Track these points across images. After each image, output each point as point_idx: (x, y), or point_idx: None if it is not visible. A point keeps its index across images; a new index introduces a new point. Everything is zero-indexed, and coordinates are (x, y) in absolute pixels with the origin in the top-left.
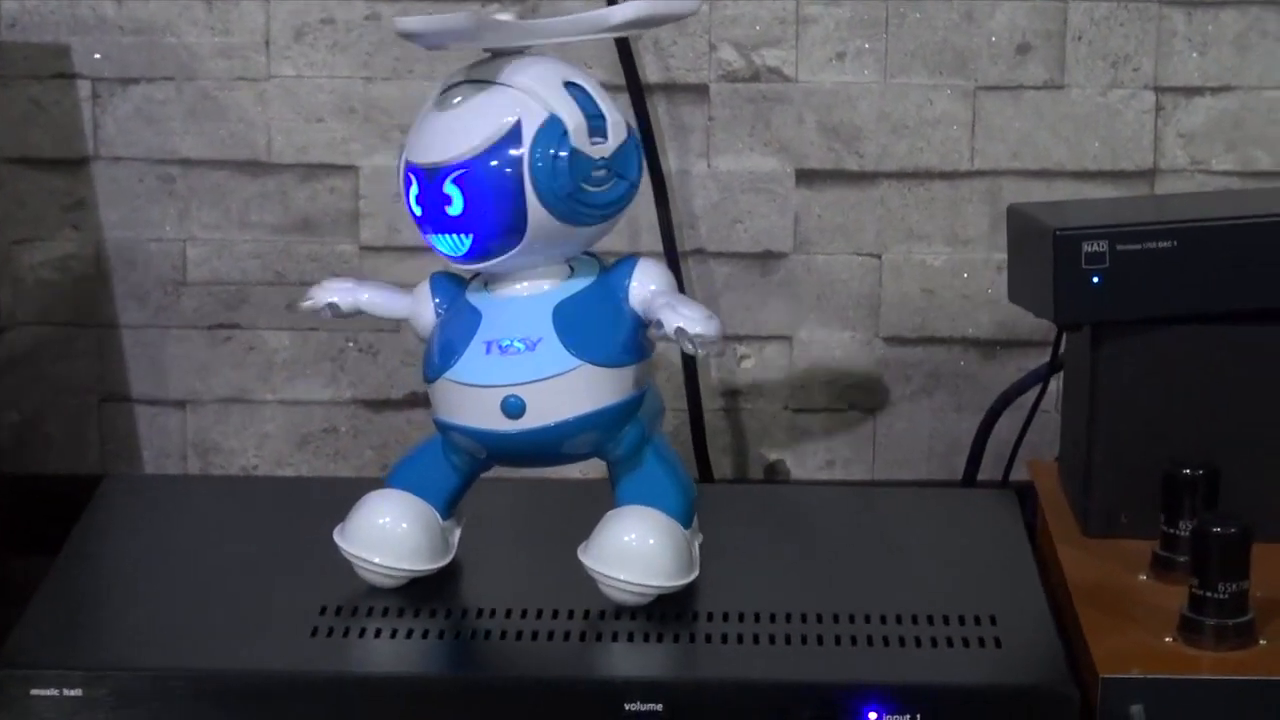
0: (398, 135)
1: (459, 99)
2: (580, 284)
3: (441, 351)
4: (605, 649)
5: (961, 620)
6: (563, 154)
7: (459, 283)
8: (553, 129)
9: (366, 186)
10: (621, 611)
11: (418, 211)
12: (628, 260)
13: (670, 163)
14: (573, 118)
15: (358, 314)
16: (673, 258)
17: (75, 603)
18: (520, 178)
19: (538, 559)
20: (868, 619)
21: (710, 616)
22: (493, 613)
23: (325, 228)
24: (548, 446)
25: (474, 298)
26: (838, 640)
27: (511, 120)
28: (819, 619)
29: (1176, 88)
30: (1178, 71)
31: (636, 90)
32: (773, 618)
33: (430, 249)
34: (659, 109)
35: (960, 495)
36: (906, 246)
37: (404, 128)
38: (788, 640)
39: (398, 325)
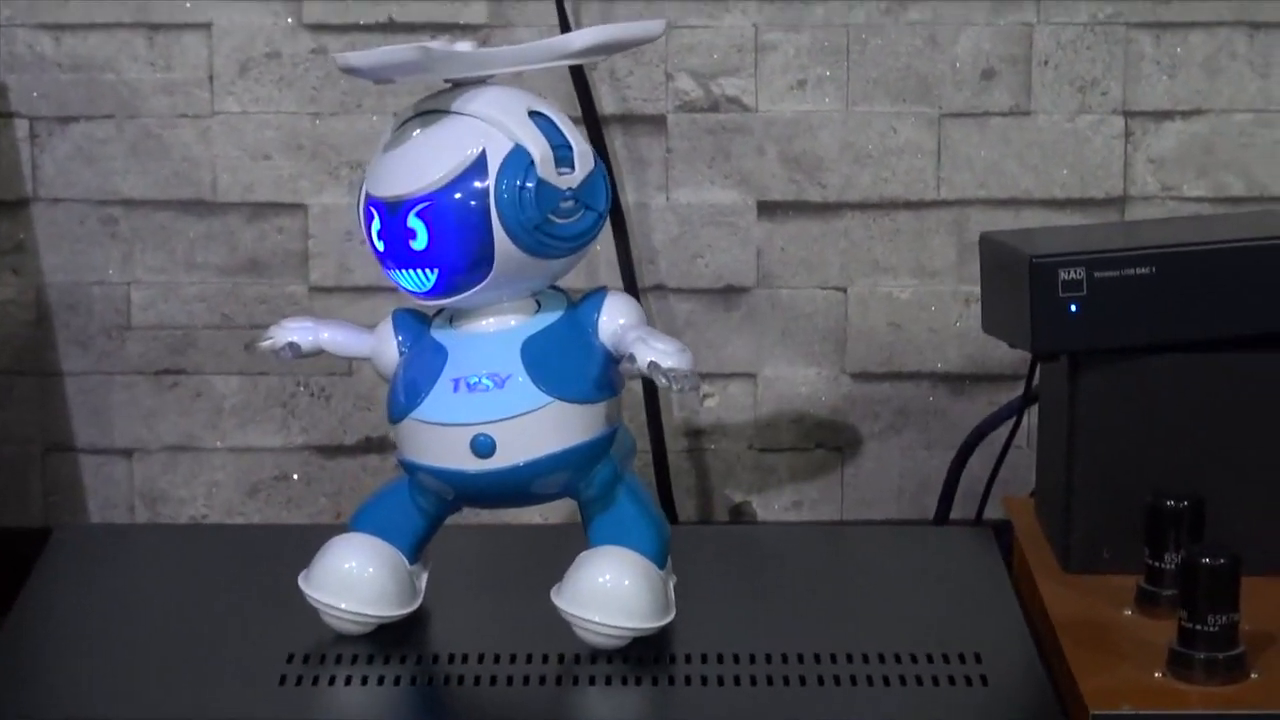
0: (347, 172)
1: (419, 130)
2: (548, 319)
3: (407, 390)
4: (581, 693)
5: (945, 658)
6: (529, 185)
7: (422, 320)
8: (518, 159)
9: (316, 225)
10: (596, 655)
11: (380, 247)
12: (596, 294)
13: (628, 196)
14: (539, 148)
15: (318, 353)
16: (633, 294)
17: (32, 657)
18: (486, 210)
19: (508, 603)
20: (849, 658)
21: (688, 658)
22: (464, 658)
23: (274, 269)
24: (518, 486)
25: (439, 334)
26: (820, 680)
27: (475, 151)
28: (799, 659)
29: (1146, 112)
30: (1147, 95)
31: (593, 122)
32: (751, 658)
33: (392, 286)
34: (616, 141)
35: (935, 533)
36: (872, 279)
37: (354, 164)
38: (769, 681)
39: (350, 367)
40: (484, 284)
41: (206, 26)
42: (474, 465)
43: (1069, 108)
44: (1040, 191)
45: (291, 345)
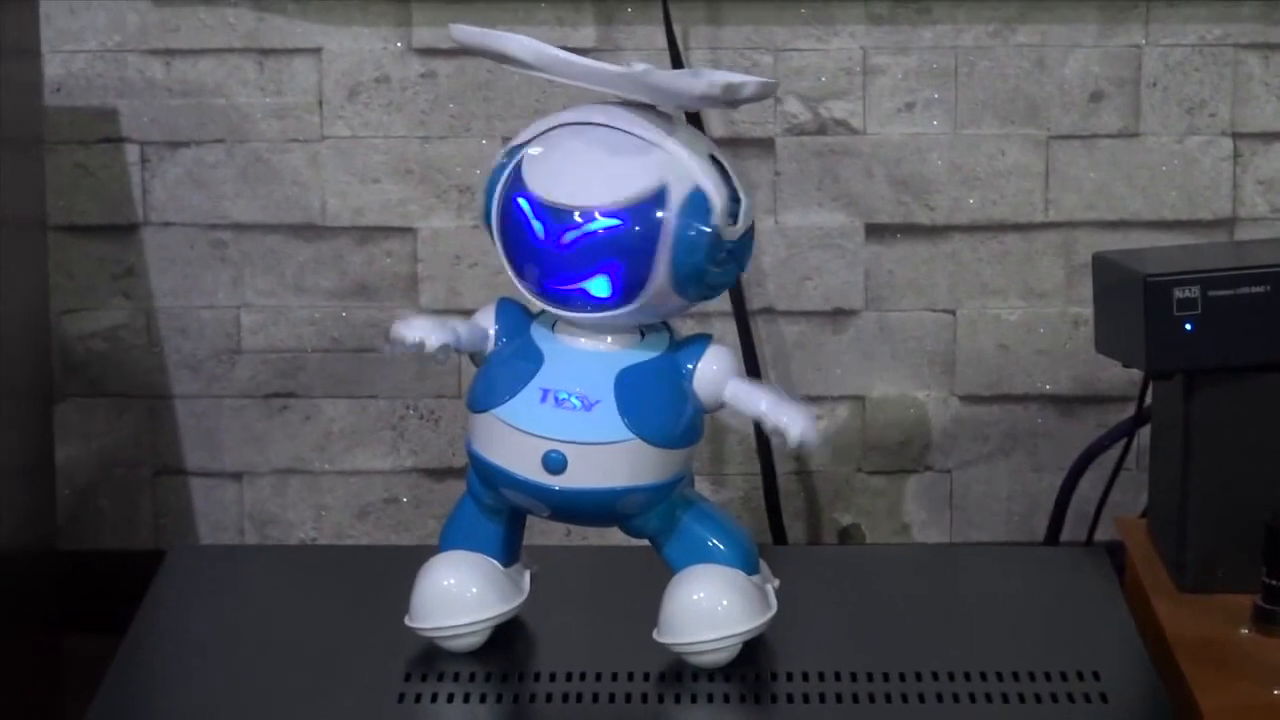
0: (456, 195)
1: (598, 144)
2: (649, 353)
3: (495, 385)
4: (683, 710)
5: (1064, 676)
6: (706, 230)
7: (525, 315)
8: (700, 202)
9: (425, 249)
10: (698, 672)
11: (543, 253)
12: (700, 340)
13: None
14: (718, 194)
15: (444, 352)
16: (741, 316)
17: (152, 680)
18: (654, 241)
19: (612, 622)
20: (967, 676)
21: (790, 676)
22: (569, 676)
23: (383, 292)
24: (576, 507)
25: (539, 337)
26: (939, 698)
27: (658, 182)
28: (910, 678)
29: (1254, 133)
30: (1255, 117)
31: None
32: (854, 677)
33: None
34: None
35: (1047, 554)
36: (980, 301)
37: (462, 187)
38: (871, 699)
39: (459, 389)
40: (619, 311)
41: (316, 51)
42: (540, 478)
43: (1177, 129)
44: (1149, 213)
45: (444, 348)
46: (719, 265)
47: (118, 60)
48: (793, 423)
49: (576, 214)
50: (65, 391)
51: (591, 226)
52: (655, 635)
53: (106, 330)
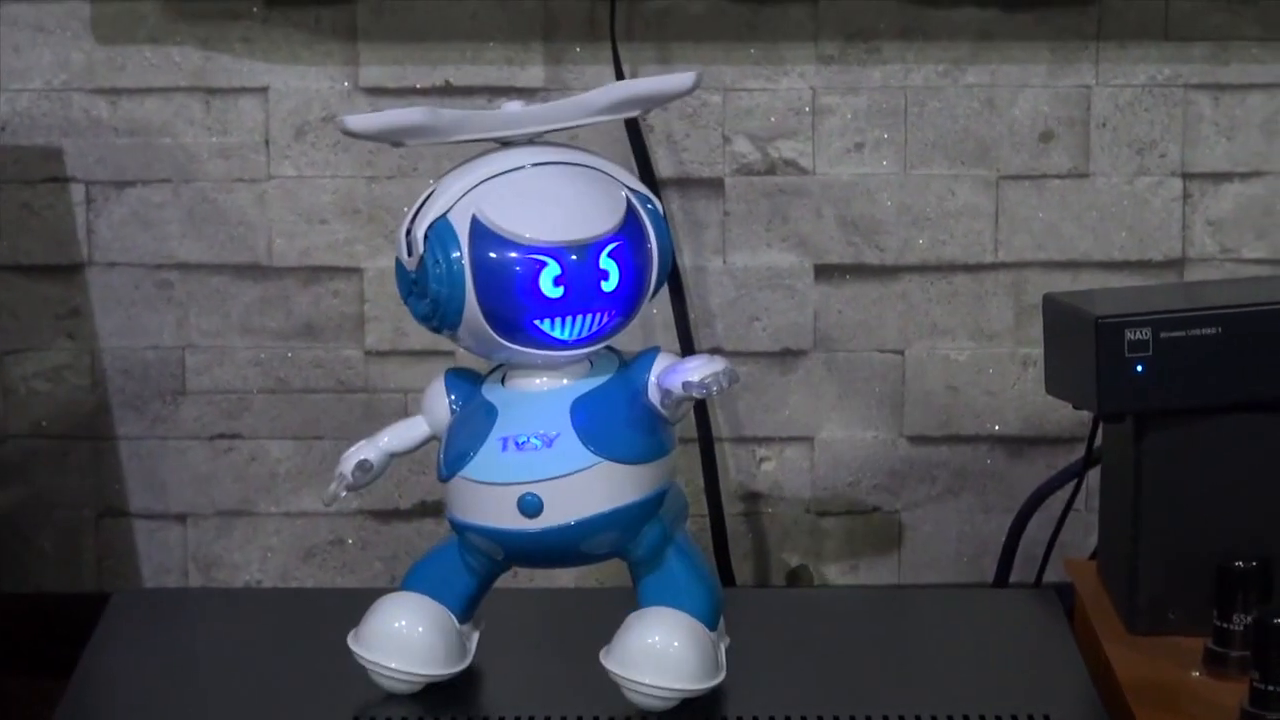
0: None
1: (552, 180)
2: (599, 379)
3: (456, 450)
4: None
5: (1014, 719)
6: (666, 229)
7: (474, 379)
8: (656, 209)
9: (371, 289)
10: (646, 717)
11: (557, 293)
12: (647, 354)
13: (686, 259)
14: (657, 202)
15: (388, 463)
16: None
17: None
18: (649, 252)
19: (559, 666)
20: (917, 719)
21: None
22: None
23: (329, 332)
24: (566, 546)
25: (490, 393)
26: None
27: (624, 198)
28: None
29: (1204, 174)
30: (1205, 157)
31: (650, 184)
32: None
33: (449, 350)
34: (673, 204)
35: (997, 595)
36: (930, 342)
37: None
38: None
39: None
40: (621, 330)
41: (263, 91)
42: (522, 524)
43: (1127, 170)
44: (1099, 254)
45: (361, 464)
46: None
47: (63, 99)
48: (693, 370)
49: (590, 245)
50: (7, 432)
51: (607, 251)
52: (602, 656)
53: (50, 370)
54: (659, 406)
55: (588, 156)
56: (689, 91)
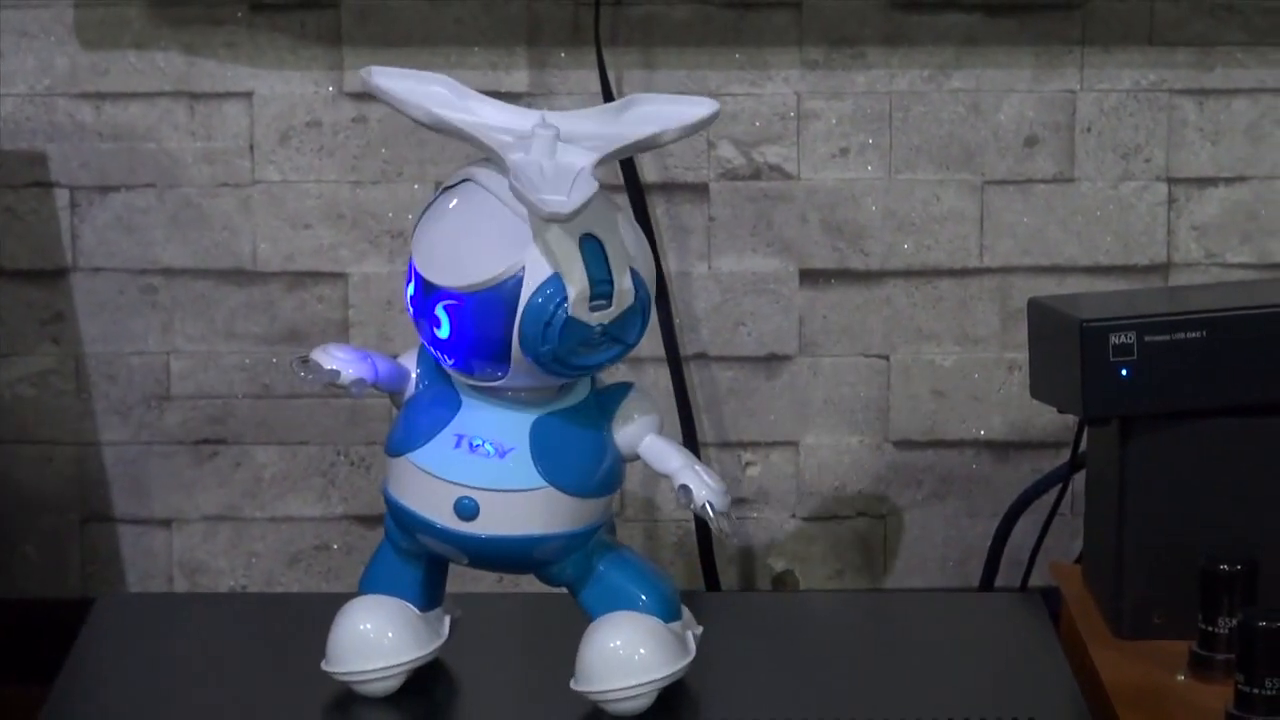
0: (388, 240)
1: (469, 212)
2: (567, 401)
3: (411, 429)
4: None
5: None
6: (557, 318)
7: None
8: (554, 290)
9: (356, 294)
10: None
11: (411, 310)
12: (620, 388)
13: (670, 264)
14: (576, 284)
15: (359, 386)
16: (674, 361)
17: None
18: (510, 324)
19: (534, 670)
20: None
21: None
22: None
23: (314, 337)
24: (489, 555)
25: (459, 385)
26: None
27: (516, 267)
28: None
29: (1189, 179)
30: (1190, 162)
31: (635, 190)
32: None
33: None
34: (658, 209)
35: (982, 600)
36: (915, 347)
37: (394, 233)
38: None
39: None
40: (500, 380)
41: (248, 96)
42: (452, 524)
43: (1112, 175)
44: (1084, 258)
45: (359, 382)
46: (591, 347)
47: (47, 104)
48: (699, 486)
49: (433, 291)
50: None
51: (442, 304)
52: (572, 684)
53: (34, 375)
54: (622, 448)
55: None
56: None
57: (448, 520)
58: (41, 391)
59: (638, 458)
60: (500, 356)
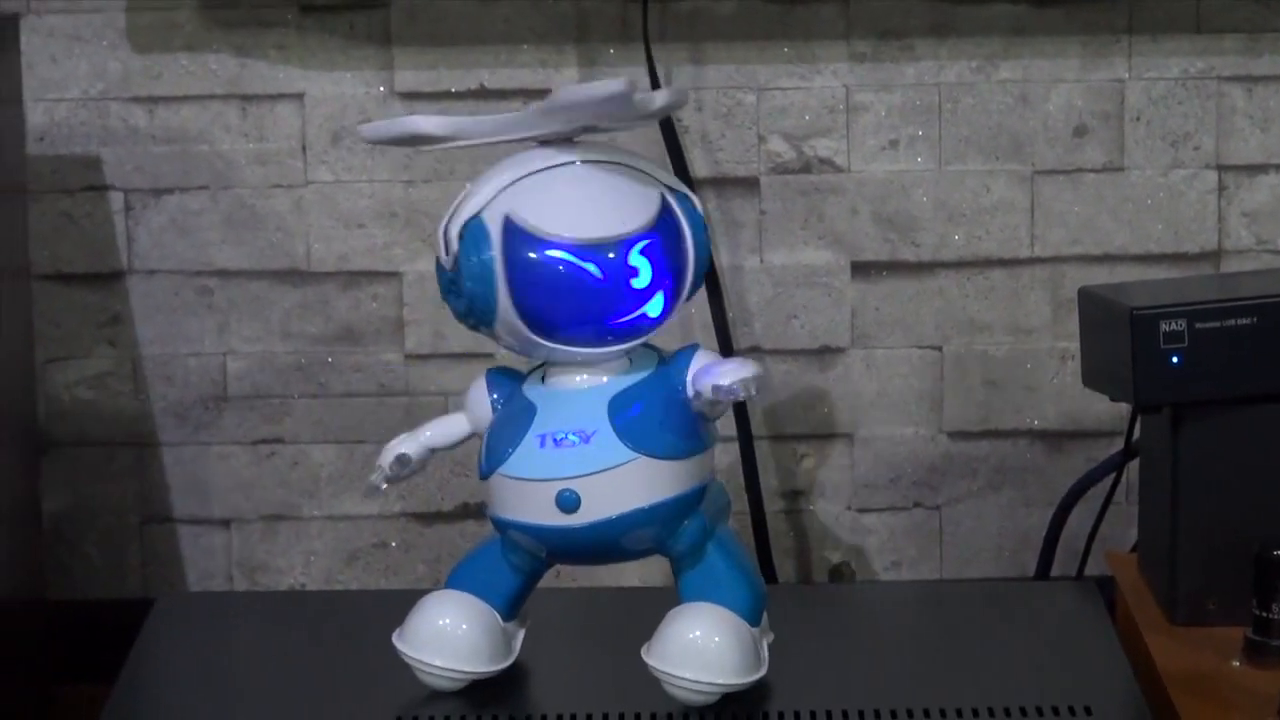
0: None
1: (587, 178)
2: (637, 375)
3: (496, 447)
4: None
5: (1055, 711)
6: (703, 224)
7: (515, 378)
8: (689, 202)
9: (410, 293)
10: (689, 713)
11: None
12: (686, 350)
13: (722, 258)
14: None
15: (428, 458)
16: (727, 355)
17: None
18: (683, 247)
19: (602, 664)
20: (959, 713)
21: (781, 716)
22: (559, 718)
23: (369, 337)
24: (606, 541)
25: (530, 391)
26: None
27: (659, 194)
28: (894, 715)
29: (1239, 165)
30: (1239, 149)
31: (686, 184)
32: (845, 715)
33: (488, 352)
34: (709, 203)
35: (1038, 589)
36: (967, 337)
37: None
38: None
39: None
40: (662, 325)
41: (299, 97)
42: (560, 520)
43: (1162, 163)
44: (1135, 247)
45: (400, 458)
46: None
47: (101, 108)
48: (724, 374)
49: (621, 243)
50: (51, 440)
51: (640, 247)
52: (643, 652)
53: (92, 378)
54: (696, 404)
55: (623, 154)
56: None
57: (553, 518)
58: (99, 394)
59: (714, 405)
60: (680, 285)
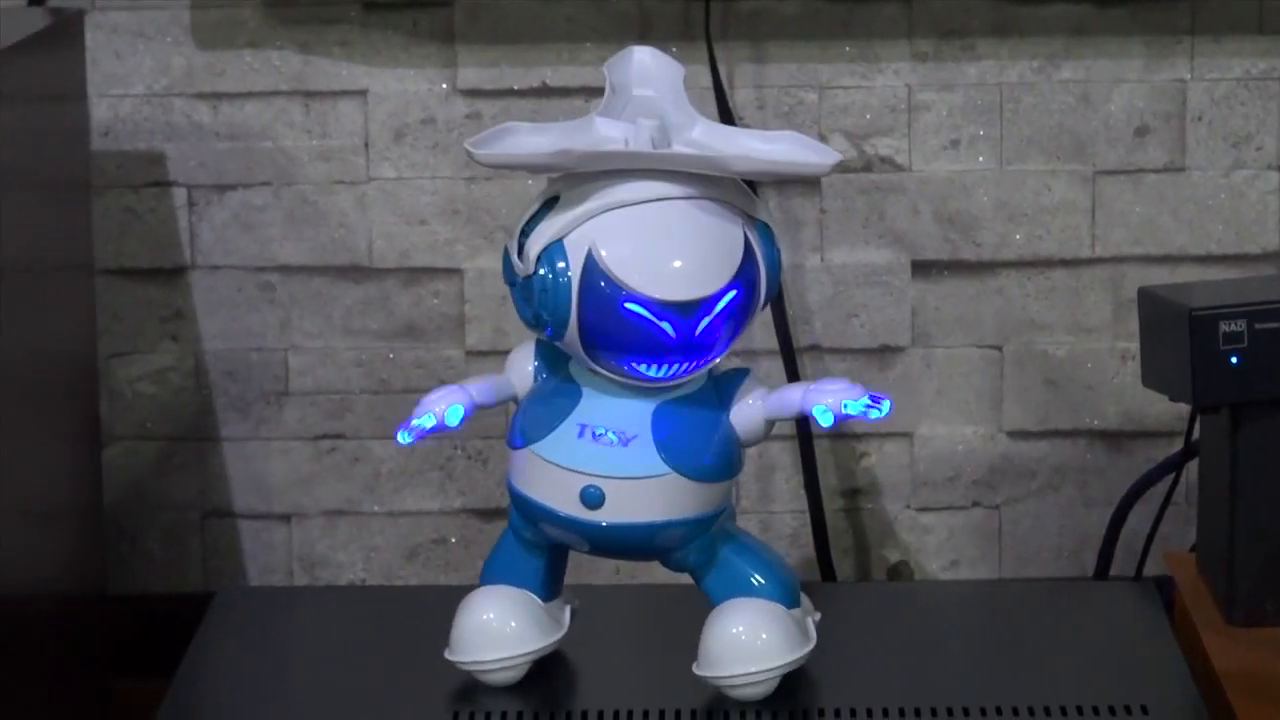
0: (502, 236)
1: (677, 221)
2: (688, 388)
3: (533, 421)
4: None
5: (1112, 710)
6: (777, 250)
7: (563, 354)
8: (768, 231)
9: (472, 289)
10: (745, 710)
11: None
12: (738, 373)
13: (783, 257)
14: (769, 217)
15: (474, 411)
16: (788, 354)
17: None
18: (758, 289)
19: (654, 660)
20: (1015, 711)
21: (837, 713)
22: (615, 714)
23: (430, 333)
24: (615, 542)
25: (578, 374)
26: None
27: (743, 233)
28: (951, 713)
29: None
30: None
31: (747, 184)
32: (901, 713)
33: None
34: (770, 202)
35: (1096, 589)
36: (1028, 337)
37: (508, 228)
38: None
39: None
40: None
41: (362, 94)
42: (579, 513)
43: (1223, 163)
44: (1196, 247)
45: (453, 415)
46: None
47: (164, 104)
48: (826, 394)
49: (700, 304)
50: (113, 435)
51: (719, 307)
52: (695, 669)
53: (155, 373)
54: (741, 432)
55: (712, 187)
56: (827, 173)
57: (574, 509)
58: (161, 389)
59: (758, 439)
60: (748, 322)
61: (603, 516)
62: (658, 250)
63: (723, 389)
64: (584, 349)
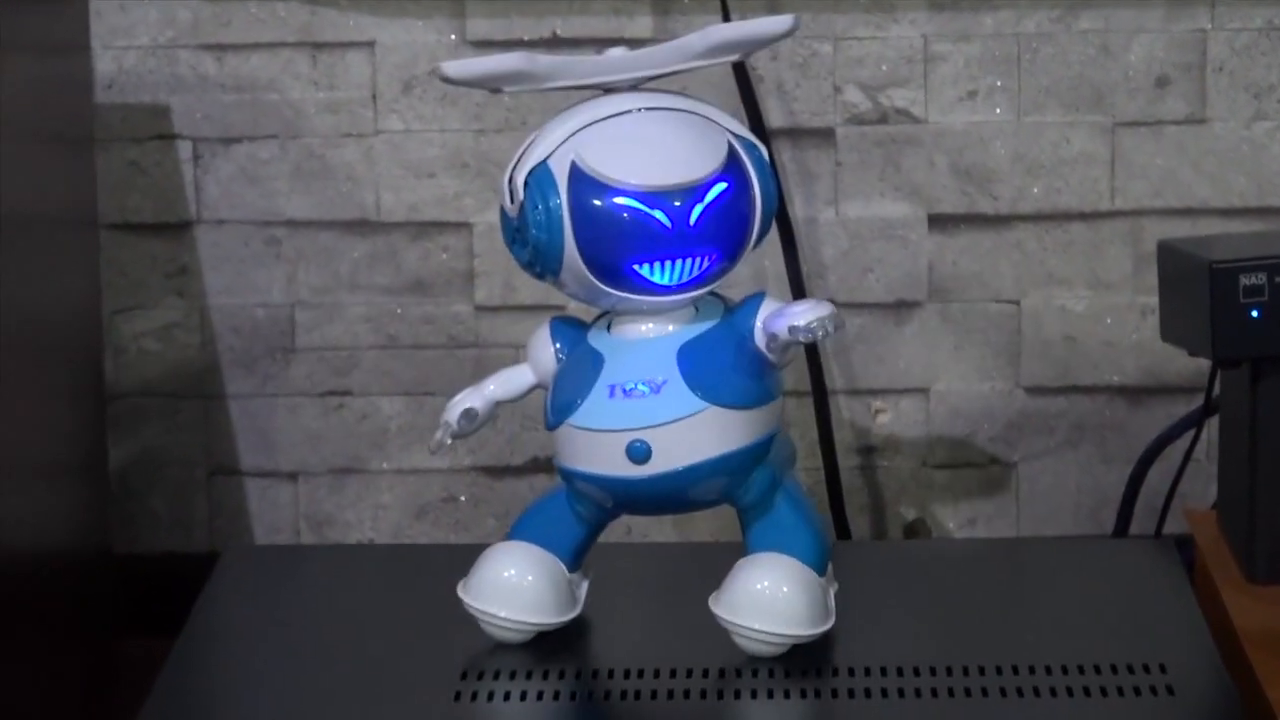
0: None
1: (654, 124)
2: (705, 324)
3: (563, 398)
4: (740, 706)
5: (1130, 669)
6: (771, 172)
7: (580, 327)
8: (757, 150)
9: (481, 244)
10: (757, 668)
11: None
12: (753, 298)
13: (797, 210)
14: (762, 147)
15: (494, 411)
16: None
17: (206, 681)
18: (750, 195)
19: (669, 618)
20: (1032, 669)
21: (852, 671)
22: (626, 673)
23: (439, 288)
24: (675, 492)
25: (596, 341)
26: (1004, 692)
27: (727, 141)
28: (974, 671)
29: None
30: None
31: (761, 135)
32: (917, 671)
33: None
34: (784, 154)
35: (1115, 547)
36: (1046, 291)
37: None
38: (935, 694)
39: None
40: (726, 274)
41: (370, 45)
42: (630, 471)
43: (1245, 115)
44: (1217, 200)
45: (466, 412)
46: None
47: (169, 56)
48: (798, 314)
49: (689, 191)
50: (118, 391)
51: (710, 196)
52: (711, 602)
53: (159, 329)
54: (765, 351)
55: (691, 102)
56: (788, 33)
57: (623, 469)
58: (166, 345)
59: (784, 351)
60: (743, 240)
61: (654, 468)
62: (639, 145)
63: (740, 316)
64: (586, 268)
